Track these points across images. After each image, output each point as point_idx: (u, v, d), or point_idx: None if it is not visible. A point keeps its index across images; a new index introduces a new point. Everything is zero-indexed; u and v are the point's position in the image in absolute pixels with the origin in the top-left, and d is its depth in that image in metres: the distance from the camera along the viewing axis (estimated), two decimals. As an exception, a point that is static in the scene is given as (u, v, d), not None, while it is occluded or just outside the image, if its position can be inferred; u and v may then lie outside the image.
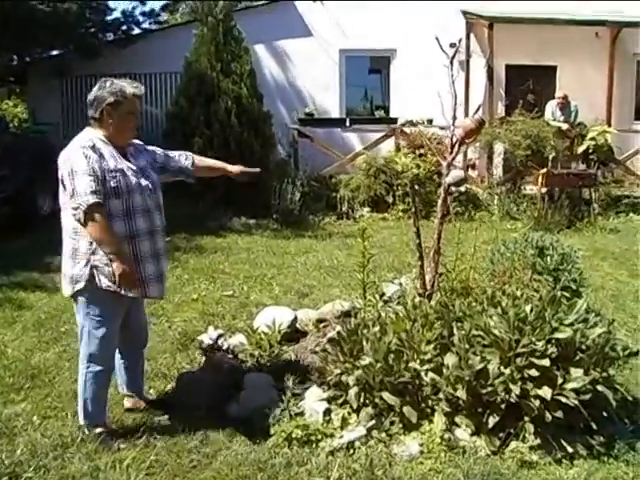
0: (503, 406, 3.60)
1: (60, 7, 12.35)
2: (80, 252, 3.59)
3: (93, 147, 3.57)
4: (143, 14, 15.24)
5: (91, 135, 3.67)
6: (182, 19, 20.89)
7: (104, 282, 3.58)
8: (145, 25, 15.61)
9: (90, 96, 3.71)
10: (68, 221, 3.62)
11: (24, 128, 14.74)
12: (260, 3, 14.39)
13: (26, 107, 14.53)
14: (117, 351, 3.98)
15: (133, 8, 14.95)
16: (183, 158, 4.10)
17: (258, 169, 4.32)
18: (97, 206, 3.46)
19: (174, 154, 4.10)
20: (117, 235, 3.58)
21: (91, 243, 3.55)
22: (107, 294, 3.61)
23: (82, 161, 3.50)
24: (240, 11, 13.15)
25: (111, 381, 3.98)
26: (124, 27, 14.80)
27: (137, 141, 3.97)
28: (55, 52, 14.38)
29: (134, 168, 3.72)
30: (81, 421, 3.83)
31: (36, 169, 9.32)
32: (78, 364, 3.86)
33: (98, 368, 3.75)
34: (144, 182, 3.73)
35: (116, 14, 15.04)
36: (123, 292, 3.61)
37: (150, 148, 4.03)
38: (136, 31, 14.92)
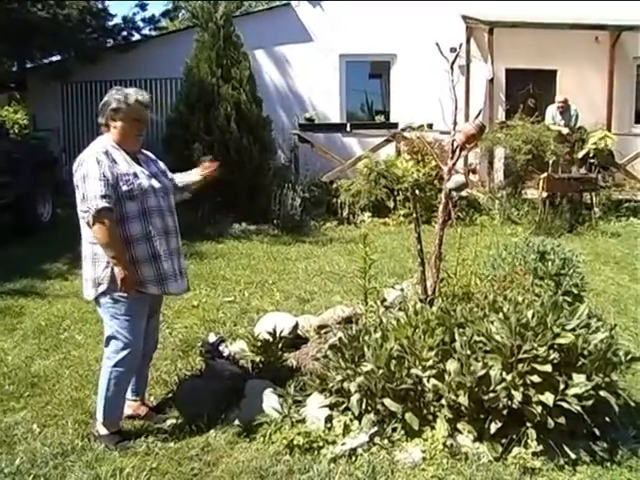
0: (505, 412, 3.58)
1: (60, 13, 12.39)
2: (100, 255, 3.67)
3: (106, 153, 3.70)
4: (143, 20, 15.30)
5: (104, 142, 3.79)
6: (182, 25, 20.95)
7: None
8: (145, 31, 15.66)
9: (101, 103, 3.86)
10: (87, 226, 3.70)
11: (24, 135, 14.75)
12: (260, 8, 14.40)
13: (26, 113, 14.52)
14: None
15: (133, 14, 14.92)
16: (178, 177, 4.20)
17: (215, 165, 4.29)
18: (106, 211, 3.56)
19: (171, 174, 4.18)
20: (134, 235, 3.70)
21: None
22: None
23: (94, 166, 3.61)
24: (240, 17, 13.17)
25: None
26: (124, 33, 14.85)
27: (149, 153, 4.08)
28: (55, 58, 14.40)
29: (146, 172, 3.85)
30: (100, 419, 3.86)
31: (37, 176, 9.34)
32: (102, 364, 3.88)
33: (123, 369, 3.80)
34: (157, 184, 3.87)
35: (116, 20, 15.10)
36: (144, 290, 3.74)
37: (161, 164, 4.12)
38: (136, 37, 14.96)
